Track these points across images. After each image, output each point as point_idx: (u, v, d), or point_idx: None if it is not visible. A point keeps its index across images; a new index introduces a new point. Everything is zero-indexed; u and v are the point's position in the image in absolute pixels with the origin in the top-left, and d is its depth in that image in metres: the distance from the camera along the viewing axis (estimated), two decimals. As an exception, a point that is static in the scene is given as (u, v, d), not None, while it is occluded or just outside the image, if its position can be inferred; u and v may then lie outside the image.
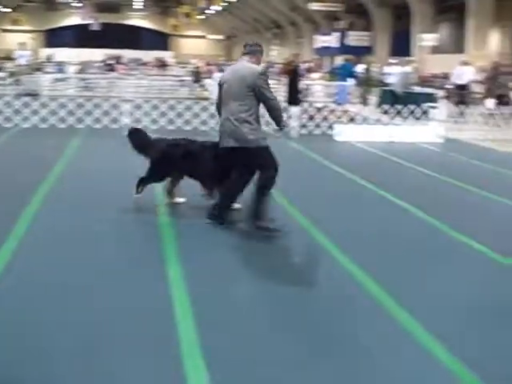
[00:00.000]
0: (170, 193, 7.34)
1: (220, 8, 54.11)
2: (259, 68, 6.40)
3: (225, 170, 6.69)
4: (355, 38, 37.81)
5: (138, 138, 7.34)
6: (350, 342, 3.94)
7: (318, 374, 3.52)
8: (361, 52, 30.17)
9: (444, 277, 5.22)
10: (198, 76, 25.88)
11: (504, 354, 3.84)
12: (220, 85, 6.51)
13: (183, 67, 40.30)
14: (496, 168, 11.01)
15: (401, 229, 6.70)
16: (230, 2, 51.92)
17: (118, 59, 40.14)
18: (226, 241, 6.09)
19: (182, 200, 7.33)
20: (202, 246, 5.87)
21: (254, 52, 6.50)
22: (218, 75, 28.34)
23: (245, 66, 6.41)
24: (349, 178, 9.65)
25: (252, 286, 4.87)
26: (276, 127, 6.58)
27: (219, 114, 6.66)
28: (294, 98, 15.95)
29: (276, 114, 6.39)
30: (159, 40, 69.75)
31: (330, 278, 5.13)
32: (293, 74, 16.54)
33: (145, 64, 43.54)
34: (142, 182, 7.13)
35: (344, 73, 19.52)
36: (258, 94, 6.23)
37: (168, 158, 7.01)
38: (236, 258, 5.57)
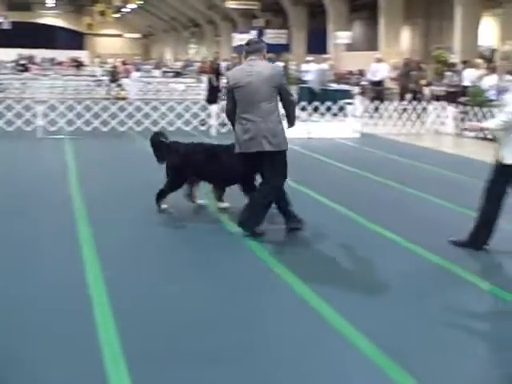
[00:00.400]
0: (191, 196, 7.35)
1: (135, 6, 53.29)
2: (280, 66, 6.33)
3: (245, 174, 6.72)
4: (272, 36, 38.09)
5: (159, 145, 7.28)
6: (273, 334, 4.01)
7: (233, 369, 3.57)
8: (278, 50, 30.33)
9: (355, 262, 5.68)
10: (115, 75, 25.43)
11: (399, 328, 4.20)
12: (233, 89, 6.24)
13: (101, 66, 39.54)
14: (412, 162, 11.37)
15: (317, 219, 6.85)
16: (145, 0, 51.27)
17: (31, 59, 38.88)
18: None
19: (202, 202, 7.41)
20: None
21: (261, 49, 6.34)
22: (135, 74, 28.07)
23: (266, 65, 6.30)
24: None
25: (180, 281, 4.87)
26: (289, 125, 6.47)
27: (232, 119, 6.43)
28: (214, 96, 15.92)
29: (293, 111, 6.46)
30: (74, 39, 68.03)
31: (251, 274, 5.20)
32: (213, 73, 16.52)
33: (60, 64, 42.36)
34: (161, 195, 7.04)
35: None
36: (282, 92, 6.20)
37: (186, 164, 6.98)
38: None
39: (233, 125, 6.42)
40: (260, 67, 6.22)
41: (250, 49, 6.35)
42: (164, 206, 7.08)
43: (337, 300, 4.59)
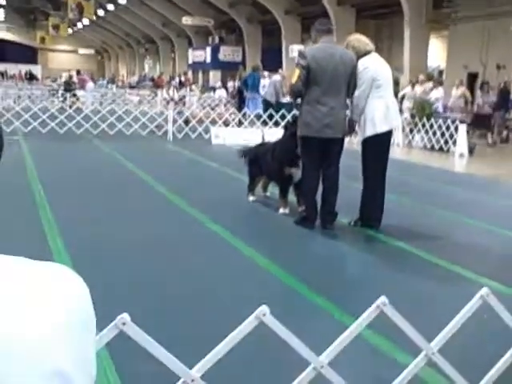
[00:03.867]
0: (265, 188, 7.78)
1: (89, 22, 53.12)
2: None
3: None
4: (227, 53, 38.64)
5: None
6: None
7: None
8: (233, 66, 30.85)
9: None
10: (70, 85, 25.31)
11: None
12: (309, 67, 5.87)
13: (53, 80, 39.30)
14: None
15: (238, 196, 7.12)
16: (100, 17, 51.22)
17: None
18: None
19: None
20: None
21: (333, 31, 6.27)
22: (91, 85, 28.02)
23: (343, 51, 6.08)
24: (221, 170, 10.02)
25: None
26: (353, 117, 6.19)
27: (295, 98, 6.41)
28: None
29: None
30: (27, 53, 67.20)
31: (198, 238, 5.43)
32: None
33: (12, 77, 41.92)
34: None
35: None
36: (353, 81, 6.02)
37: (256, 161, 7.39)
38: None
39: (296, 104, 6.54)
40: (340, 50, 6.04)
41: (324, 28, 6.14)
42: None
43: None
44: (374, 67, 6.11)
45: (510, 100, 18.43)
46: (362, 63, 6.05)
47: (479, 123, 17.34)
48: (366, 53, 6.17)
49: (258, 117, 16.27)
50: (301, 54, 6.12)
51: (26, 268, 0.87)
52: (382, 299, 2.08)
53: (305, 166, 6.24)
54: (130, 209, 6.88)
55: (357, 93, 6.02)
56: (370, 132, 6.06)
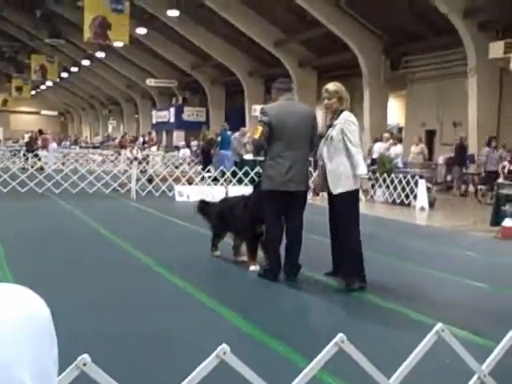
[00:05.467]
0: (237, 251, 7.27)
1: (52, 84, 53.34)
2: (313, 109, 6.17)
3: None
4: (191, 114, 39.09)
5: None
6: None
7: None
8: (197, 126, 31.20)
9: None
10: (32, 145, 25.21)
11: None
12: (275, 126, 6.07)
13: (15, 142, 39.17)
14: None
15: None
16: (63, 78, 51.51)
17: None
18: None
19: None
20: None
21: (291, 89, 6.43)
22: (53, 145, 27.97)
23: (302, 106, 6.37)
24: (182, 224, 10.01)
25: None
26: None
27: (258, 152, 6.64)
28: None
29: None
30: (-13, 115, 66.88)
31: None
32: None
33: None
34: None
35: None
36: (313, 136, 6.19)
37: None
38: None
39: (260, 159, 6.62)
40: (299, 108, 6.31)
41: (283, 86, 6.36)
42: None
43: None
44: None
45: (466, 156, 19.00)
46: (353, 121, 6.03)
47: (488, 179, 16.70)
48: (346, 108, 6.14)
49: (222, 174, 16.43)
50: (262, 111, 6.28)
51: None
52: (340, 336, 2.12)
53: (268, 218, 6.29)
54: (90, 264, 6.82)
55: (356, 150, 5.89)
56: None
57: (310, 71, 29.07)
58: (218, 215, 7.34)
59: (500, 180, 13.48)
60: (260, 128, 6.15)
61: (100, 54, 38.13)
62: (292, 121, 6.07)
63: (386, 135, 19.61)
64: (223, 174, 16.49)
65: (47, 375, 0.92)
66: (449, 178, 19.68)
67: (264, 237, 6.54)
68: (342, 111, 6.02)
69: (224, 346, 2.01)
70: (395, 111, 26.40)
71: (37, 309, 0.94)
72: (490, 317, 5.19)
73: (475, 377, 2.44)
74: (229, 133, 20.84)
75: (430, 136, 23.61)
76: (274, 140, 6.08)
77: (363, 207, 14.72)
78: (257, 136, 6.22)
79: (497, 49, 17.59)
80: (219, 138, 20.75)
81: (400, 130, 25.63)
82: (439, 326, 2.25)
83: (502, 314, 5.18)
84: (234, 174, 16.60)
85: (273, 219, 6.23)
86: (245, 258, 6.96)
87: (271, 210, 6.22)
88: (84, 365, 1.87)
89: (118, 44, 29.82)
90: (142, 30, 31.07)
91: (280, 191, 6.07)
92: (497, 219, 10.80)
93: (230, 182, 16.32)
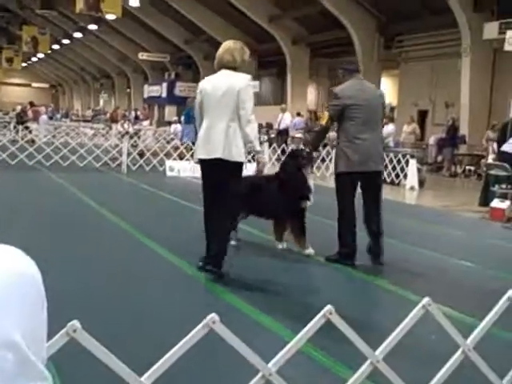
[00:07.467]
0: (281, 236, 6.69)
1: (43, 56, 52.83)
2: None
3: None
4: (183, 89, 38.82)
5: None
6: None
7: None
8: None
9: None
10: (22, 118, 24.98)
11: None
12: (345, 104, 5.95)
13: (6, 114, 38.79)
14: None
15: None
16: (55, 51, 50.99)
17: None
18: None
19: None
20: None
21: (360, 70, 6.54)
22: (44, 118, 27.76)
23: (372, 86, 6.43)
24: (171, 198, 10.04)
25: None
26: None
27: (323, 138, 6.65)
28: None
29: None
30: (-22, 86, 66.30)
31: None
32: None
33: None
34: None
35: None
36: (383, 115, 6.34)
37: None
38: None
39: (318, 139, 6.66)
40: (370, 87, 6.34)
41: (353, 67, 6.46)
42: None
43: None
44: None
45: (457, 137, 19.04)
46: None
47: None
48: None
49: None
50: (335, 95, 6.16)
51: None
52: (329, 308, 2.15)
53: (343, 201, 6.06)
54: (79, 235, 6.82)
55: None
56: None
57: (303, 48, 28.91)
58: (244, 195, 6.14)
59: (489, 160, 13.53)
60: (326, 114, 6.19)
61: (92, 27, 37.72)
62: (366, 101, 6.00)
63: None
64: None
65: (37, 336, 0.93)
66: (439, 158, 19.72)
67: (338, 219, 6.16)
68: None
69: (213, 315, 2.03)
70: (388, 91, 26.33)
71: (27, 268, 0.95)
72: (476, 295, 5.27)
73: (459, 351, 2.48)
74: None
75: (422, 116, 23.61)
76: (348, 120, 5.97)
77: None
78: (324, 122, 6.25)
79: (491, 29, 17.56)
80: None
81: (392, 109, 25.61)
82: (426, 300, 2.28)
83: (486, 292, 5.24)
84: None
85: (348, 201, 6.02)
86: (285, 246, 6.58)
87: (348, 191, 6.04)
88: (74, 331, 1.88)
89: (110, 16, 29.51)
90: (134, 3, 30.69)
91: (359, 172, 5.95)
92: (485, 200, 10.87)
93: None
